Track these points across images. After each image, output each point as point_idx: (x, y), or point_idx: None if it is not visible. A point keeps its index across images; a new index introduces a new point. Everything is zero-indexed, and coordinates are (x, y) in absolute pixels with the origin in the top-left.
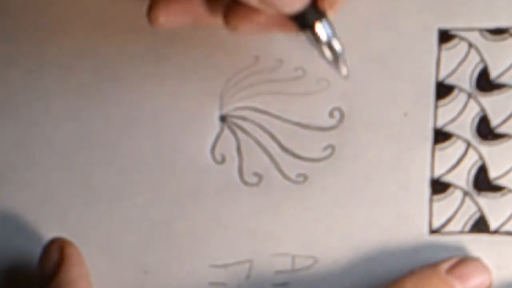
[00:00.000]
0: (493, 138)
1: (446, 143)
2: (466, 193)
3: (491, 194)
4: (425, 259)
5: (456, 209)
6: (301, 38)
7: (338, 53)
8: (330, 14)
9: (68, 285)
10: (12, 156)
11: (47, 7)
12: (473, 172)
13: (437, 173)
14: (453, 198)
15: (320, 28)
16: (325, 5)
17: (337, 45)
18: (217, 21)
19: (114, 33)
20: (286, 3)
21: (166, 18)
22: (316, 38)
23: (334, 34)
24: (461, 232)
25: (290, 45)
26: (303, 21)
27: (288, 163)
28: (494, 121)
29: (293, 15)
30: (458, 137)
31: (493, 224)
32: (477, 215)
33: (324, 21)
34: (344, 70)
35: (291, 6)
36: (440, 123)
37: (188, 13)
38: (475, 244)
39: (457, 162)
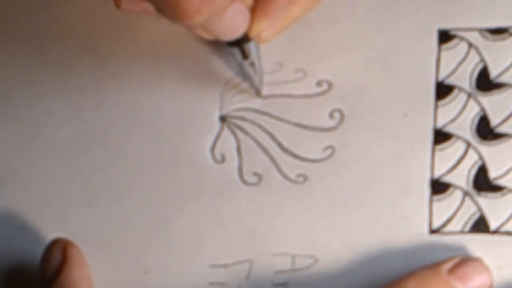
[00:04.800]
0: (493, 138)
1: (446, 144)
2: (466, 193)
3: (491, 194)
4: (425, 259)
5: (456, 209)
6: (302, 40)
7: (258, 71)
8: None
9: (70, 286)
10: (12, 156)
11: (47, 7)
12: (473, 172)
13: (437, 173)
14: (453, 198)
15: (248, 48)
16: (253, 36)
17: (258, 65)
18: None
19: (114, 33)
20: (227, 34)
21: (127, 4)
22: (243, 55)
23: (258, 55)
24: (461, 232)
25: (290, 47)
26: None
27: (288, 163)
28: (494, 120)
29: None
30: (458, 137)
31: (493, 224)
32: (477, 215)
33: (252, 43)
34: (261, 88)
35: (230, 37)
36: (440, 123)
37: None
38: (475, 244)
39: (457, 162)
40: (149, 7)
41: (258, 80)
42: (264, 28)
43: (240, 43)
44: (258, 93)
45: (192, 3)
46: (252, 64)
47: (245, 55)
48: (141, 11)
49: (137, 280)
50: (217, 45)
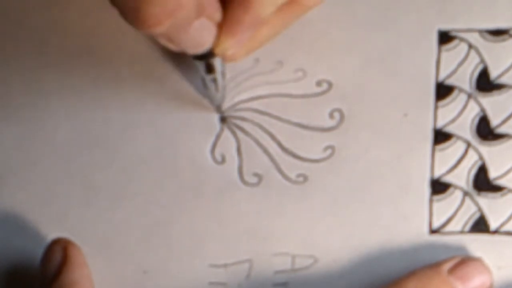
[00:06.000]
0: (493, 138)
1: (446, 144)
2: (466, 193)
3: (491, 194)
4: (425, 259)
5: (456, 209)
6: (302, 40)
7: (220, 89)
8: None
9: (70, 286)
10: (12, 156)
11: (47, 7)
12: (473, 172)
13: (437, 173)
14: (453, 198)
15: (213, 63)
16: (217, 53)
17: (221, 82)
18: None
19: (114, 33)
20: (192, 48)
21: None
22: (207, 70)
23: (223, 72)
24: (461, 232)
25: (290, 47)
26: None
27: (288, 164)
28: (494, 121)
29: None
30: (458, 137)
31: (493, 224)
32: (477, 215)
33: (217, 60)
34: (221, 105)
35: (195, 50)
36: (440, 123)
37: None
38: (475, 244)
39: (457, 162)
40: None
41: (219, 97)
42: (229, 47)
43: (206, 57)
44: (218, 110)
45: (153, 13)
46: (214, 80)
47: (209, 70)
48: None
49: (137, 280)
50: None
